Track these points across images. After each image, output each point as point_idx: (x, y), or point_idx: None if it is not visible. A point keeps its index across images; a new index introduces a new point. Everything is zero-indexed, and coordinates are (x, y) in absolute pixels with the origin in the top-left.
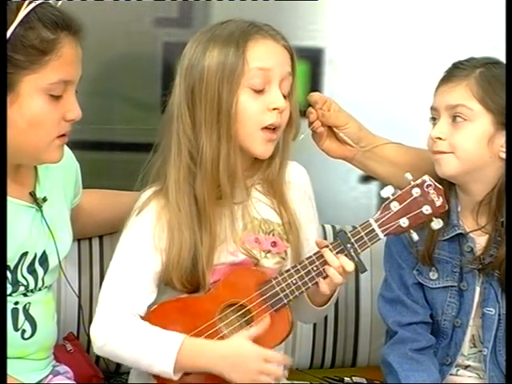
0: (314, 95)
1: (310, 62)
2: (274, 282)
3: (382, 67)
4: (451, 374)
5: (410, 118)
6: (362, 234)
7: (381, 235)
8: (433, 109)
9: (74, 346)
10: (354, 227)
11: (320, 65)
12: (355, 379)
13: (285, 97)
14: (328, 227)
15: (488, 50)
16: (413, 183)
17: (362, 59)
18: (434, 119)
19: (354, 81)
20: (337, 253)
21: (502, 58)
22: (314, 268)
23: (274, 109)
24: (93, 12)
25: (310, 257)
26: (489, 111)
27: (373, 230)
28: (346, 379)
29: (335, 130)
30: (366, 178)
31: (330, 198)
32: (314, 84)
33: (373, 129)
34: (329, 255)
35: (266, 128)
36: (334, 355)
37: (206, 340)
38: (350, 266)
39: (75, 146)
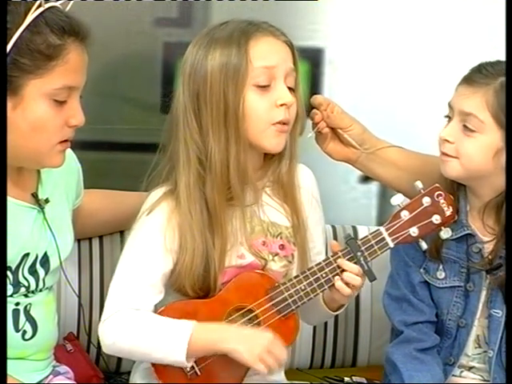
0: (318, 97)
1: (310, 62)
2: (282, 287)
3: (382, 67)
4: (455, 376)
5: (409, 118)
6: (373, 242)
7: (391, 244)
8: (449, 106)
9: (74, 345)
10: (361, 235)
11: (320, 65)
12: (355, 379)
13: (290, 92)
14: (328, 227)
15: (488, 49)
16: (423, 192)
17: (362, 59)
18: (448, 117)
19: (354, 81)
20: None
21: (502, 58)
22: (324, 275)
23: (282, 105)
24: (93, 12)
25: (320, 263)
26: (500, 127)
27: (383, 239)
28: (346, 379)
29: (339, 131)
30: (366, 178)
31: (329, 198)
32: (314, 84)
33: (373, 129)
34: (347, 263)
35: (274, 124)
36: (334, 355)
37: (213, 323)
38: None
39: (75, 146)
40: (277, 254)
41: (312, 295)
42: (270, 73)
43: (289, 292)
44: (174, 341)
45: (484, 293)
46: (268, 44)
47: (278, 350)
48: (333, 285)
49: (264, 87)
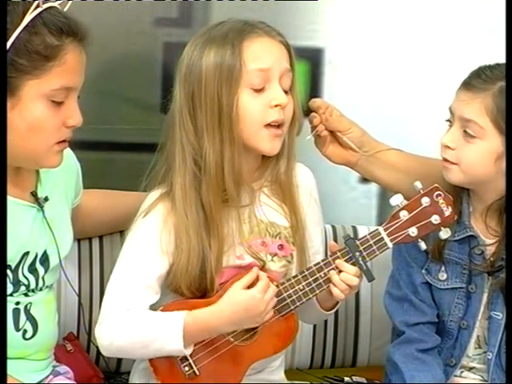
0: (317, 101)
1: (310, 62)
2: (281, 287)
3: (381, 67)
4: (455, 376)
5: (409, 118)
6: (371, 242)
7: (389, 244)
8: (450, 110)
9: (74, 345)
10: (360, 235)
11: (320, 65)
12: (355, 379)
13: (286, 93)
14: (328, 227)
15: (488, 50)
16: (422, 192)
17: (361, 59)
18: (449, 121)
19: (354, 81)
20: (345, 261)
21: (502, 58)
22: (322, 275)
23: (276, 105)
24: (93, 12)
25: (318, 263)
26: (500, 132)
27: (382, 239)
28: (346, 379)
29: (338, 134)
30: (366, 179)
31: (329, 198)
32: (314, 84)
33: (372, 129)
34: (344, 265)
35: (269, 125)
36: (334, 355)
37: (205, 308)
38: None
39: (75, 146)
40: (276, 255)
41: (311, 295)
42: (264, 75)
43: (287, 292)
44: (170, 329)
45: (485, 295)
46: (262, 45)
47: (269, 293)
48: (330, 282)
49: (259, 90)
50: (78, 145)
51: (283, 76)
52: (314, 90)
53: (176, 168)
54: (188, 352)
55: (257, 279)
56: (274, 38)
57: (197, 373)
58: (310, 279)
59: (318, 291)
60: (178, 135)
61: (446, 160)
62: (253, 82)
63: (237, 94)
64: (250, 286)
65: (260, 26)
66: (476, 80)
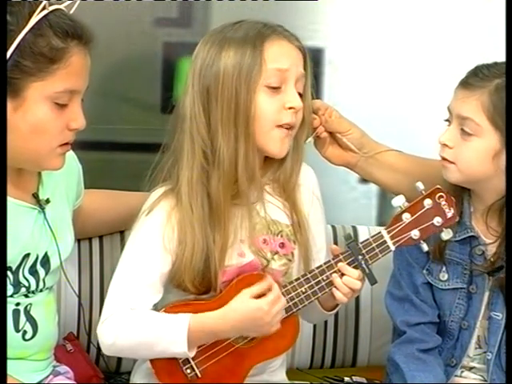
0: (317, 102)
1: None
2: (283, 290)
3: (381, 67)
4: (456, 376)
5: (409, 118)
6: (374, 245)
7: (392, 247)
8: (448, 110)
9: (74, 345)
10: (361, 235)
11: (320, 65)
12: (355, 379)
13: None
14: (328, 227)
15: (488, 49)
16: (424, 194)
17: (362, 59)
18: (448, 121)
19: (354, 81)
20: (347, 264)
21: (502, 57)
22: (324, 278)
23: (290, 108)
24: (93, 12)
25: (320, 266)
26: (497, 129)
27: (384, 242)
28: (346, 379)
29: (338, 135)
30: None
31: (329, 198)
32: (314, 84)
33: (372, 129)
34: (347, 268)
35: (281, 126)
36: (334, 355)
37: (211, 312)
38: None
39: (75, 146)
40: (277, 253)
41: (313, 298)
42: (282, 75)
43: (290, 295)
44: (174, 331)
45: (486, 295)
46: (282, 47)
47: (277, 306)
48: (333, 285)
49: (275, 89)
50: (79, 145)
51: (298, 80)
52: (314, 90)
53: (184, 160)
54: (191, 354)
55: (268, 289)
56: (292, 42)
57: (199, 375)
58: (313, 282)
59: (320, 294)
60: (188, 127)
61: (444, 159)
62: (270, 81)
63: (255, 92)
64: (260, 296)
65: (279, 29)
66: (473, 78)
